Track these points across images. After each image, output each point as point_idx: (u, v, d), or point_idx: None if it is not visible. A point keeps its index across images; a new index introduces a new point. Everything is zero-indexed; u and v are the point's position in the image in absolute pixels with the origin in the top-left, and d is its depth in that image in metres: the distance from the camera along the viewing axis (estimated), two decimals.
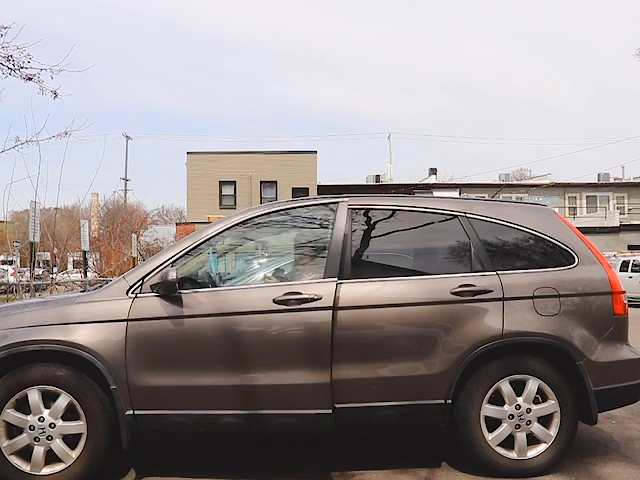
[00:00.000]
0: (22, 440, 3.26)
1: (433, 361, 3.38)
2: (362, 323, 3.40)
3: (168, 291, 3.35)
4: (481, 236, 3.63)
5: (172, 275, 3.29)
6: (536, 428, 3.46)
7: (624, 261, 17.99)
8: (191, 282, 3.55)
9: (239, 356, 3.34)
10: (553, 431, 3.47)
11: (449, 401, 3.38)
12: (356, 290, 3.43)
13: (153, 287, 3.39)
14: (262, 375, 3.31)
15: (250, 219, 3.70)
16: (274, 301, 3.35)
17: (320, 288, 3.40)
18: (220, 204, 28.60)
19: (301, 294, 3.36)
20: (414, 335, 3.41)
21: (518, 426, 3.44)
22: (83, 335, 3.29)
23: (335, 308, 3.36)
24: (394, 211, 3.76)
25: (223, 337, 3.35)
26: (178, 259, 3.52)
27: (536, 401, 3.47)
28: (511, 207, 3.90)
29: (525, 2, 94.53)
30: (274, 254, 4.20)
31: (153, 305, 3.35)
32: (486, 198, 4.46)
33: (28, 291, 9.29)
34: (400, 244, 3.80)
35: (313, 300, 3.35)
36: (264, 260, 4.34)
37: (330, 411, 3.31)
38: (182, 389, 3.30)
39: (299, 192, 26.11)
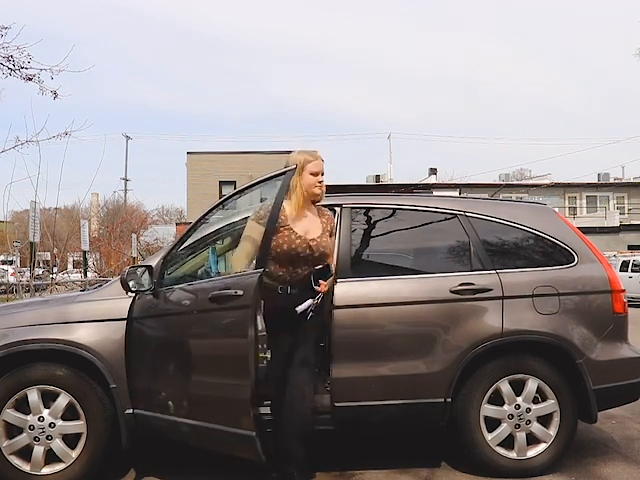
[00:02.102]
0: (22, 440, 3.26)
1: (433, 360, 3.38)
2: (361, 322, 3.40)
3: (126, 290, 3.28)
4: (481, 235, 3.63)
5: (123, 275, 3.25)
6: (536, 428, 3.46)
7: (624, 261, 17.97)
8: (190, 279, 3.55)
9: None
10: (553, 431, 3.47)
11: (449, 399, 3.38)
12: (355, 289, 3.43)
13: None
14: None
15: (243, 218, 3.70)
16: None
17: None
18: None
19: None
20: (414, 334, 3.41)
21: (518, 426, 3.44)
22: (83, 334, 3.29)
23: (334, 307, 3.37)
24: (394, 210, 3.76)
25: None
26: (172, 256, 3.45)
27: (535, 401, 3.47)
28: (510, 206, 3.91)
29: (525, 2, 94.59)
30: None
31: (153, 303, 3.34)
32: (486, 197, 4.47)
33: (28, 291, 9.29)
34: (400, 243, 3.81)
35: None
36: None
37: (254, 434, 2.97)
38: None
39: None
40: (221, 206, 3.48)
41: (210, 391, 3.07)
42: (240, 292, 2.96)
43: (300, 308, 3.16)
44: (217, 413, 3.05)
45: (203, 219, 3.47)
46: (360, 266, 3.62)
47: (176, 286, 3.34)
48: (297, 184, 3.22)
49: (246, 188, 3.36)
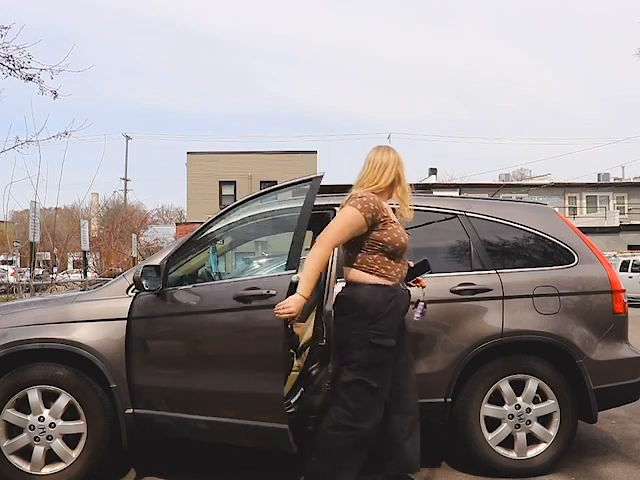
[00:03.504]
0: (22, 440, 3.26)
1: (433, 360, 3.38)
2: None
3: (140, 290, 3.28)
4: (481, 235, 3.63)
5: (135, 274, 3.25)
6: (536, 428, 3.46)
7: (624, 261, 17.97)
8: (192, 279, 3.55)
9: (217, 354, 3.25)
10: (553, 431, 3.47)
11: (449, 399, 3.38)
12: None
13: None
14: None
15: (248, 217, 3.70)
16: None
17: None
18: (220, 204, 28.57)
19: None
20: (414, 334, 3.40)
21: (518, 426, 3.44)
22: (83, 334, 3.29)
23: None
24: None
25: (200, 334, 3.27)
26: (175, 257, 3.45)
27: (536, 401, 3.46)
28: (511, 206, 3.90)
29: (525, 2, 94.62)
30: (273, 253, 4.20)
31: (153, 303, 3.34)
32: (486, 197, 4.47)
33: (28, 291, 9.29)
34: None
35: None
36: (264, 260, 4.34)
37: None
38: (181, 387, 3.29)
39: None
40: (239, 207, 3.50)
41: (239, 388, 3.08)
42: (273, 292, 2.99)
43: (418, 315, 3.08)
44: (247, 408, 3.07)
45: (216, 220, 3.48)
46: None
47: (193, 285, 3.36)
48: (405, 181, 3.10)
49: (270, 191, 3.36)
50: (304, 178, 3.17)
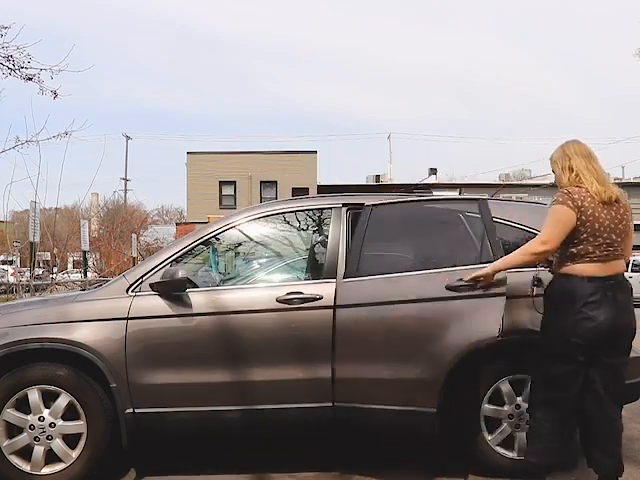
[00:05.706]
0: (22, 440, 3.26)
1: (433, 359, 3.36)
2: (362, 321, 3.39)
3: (176, 289, 3.33)
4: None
5: (181, 274, 3.28)
6: None
7: None
8: (191, 281, 3.55)
9: (244, 353, 3.35)
10: None
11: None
12: (355, 288, 3.43)
13: (153, 286, 3.38)
14: (265, 371, 3.32)
15: (253, 219, 3.70)
16: (277, 300, 3.36)
17: (320, 288, 3.41)
18: (220, 204, 28.59)
19: (302, 293, 3.37)
20: (414, 333, 3.40)
21: (518, 426, 3.43)
22: (83, 333, 3.29)
23: (335, 307, 3.37)
24: (395, 210, 3.75)
25: (227, 334, 3.35)
26: (178, 258, 3.52)
27: None
28: (512, 206, 3.90)
29: (525, 2, 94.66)
30: (275, 254, 4.18)
31: (153, 303, 3.35)
32: (486, 197, 4.46)
33: (28, 291, 9.29)
34: (400, 243, 3.80)
35: (314, 299, 3.36)
36: (264, 260, 4.33)
37: (331, 404, 3.32)
38: (183, 386, 3.30)
39: (299, 192, 26.08)
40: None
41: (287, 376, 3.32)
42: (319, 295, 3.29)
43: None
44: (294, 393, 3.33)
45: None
46: (359, 266, 3.61)
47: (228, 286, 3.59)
48: None
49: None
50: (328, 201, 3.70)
